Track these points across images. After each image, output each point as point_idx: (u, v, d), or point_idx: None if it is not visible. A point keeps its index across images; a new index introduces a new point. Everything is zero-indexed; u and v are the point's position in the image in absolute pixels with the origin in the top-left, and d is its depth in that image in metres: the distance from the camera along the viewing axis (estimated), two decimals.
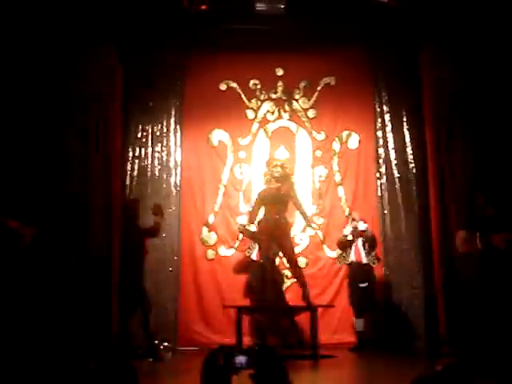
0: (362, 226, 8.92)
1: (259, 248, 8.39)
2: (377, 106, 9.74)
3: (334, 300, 9.20)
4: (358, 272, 8.80)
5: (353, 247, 8.87)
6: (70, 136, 8.67)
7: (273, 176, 8.11)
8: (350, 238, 8.85)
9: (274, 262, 8.73)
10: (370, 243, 8.91)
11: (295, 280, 8.61)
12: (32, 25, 8.12)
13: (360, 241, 8.86)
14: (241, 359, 1.79)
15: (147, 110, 9.64)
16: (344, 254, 8.92)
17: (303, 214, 8.50)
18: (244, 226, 8.84)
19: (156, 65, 9.61)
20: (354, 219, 9.00)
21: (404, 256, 9.26)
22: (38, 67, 8.21)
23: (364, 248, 8.82)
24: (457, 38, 8.79)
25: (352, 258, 8.85)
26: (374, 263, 8.85)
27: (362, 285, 8.72)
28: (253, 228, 8.80)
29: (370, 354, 8.40)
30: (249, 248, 8.96)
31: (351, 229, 8.89)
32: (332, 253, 9.46)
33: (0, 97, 7.88)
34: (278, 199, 8.12)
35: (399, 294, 9.25)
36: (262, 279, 8.32)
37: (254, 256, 8.82)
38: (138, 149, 9.57)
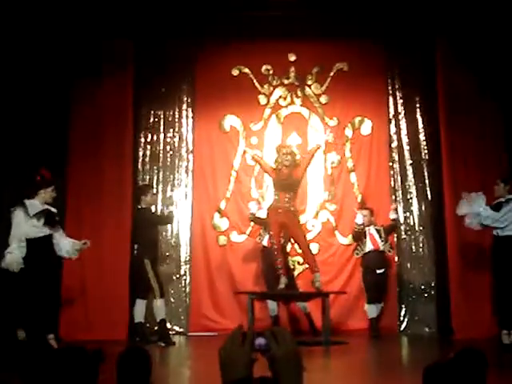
0: (393, 215, 8.86)
1: (270, 235, 8.36)
2: (390, 92, 9.70)
3: (345, 286, 9.18)
4: (374, 258, 8.72)
5: (367, 236, 8.80)
6: (79, 122, 8.74)
7: (283, 164, 8.05)
8: (359, 221, 8.77)
9: (285, 248, 8.73)
10: (390, 231, 8.86)
11: (307, 266, 8.60)
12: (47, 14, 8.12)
13: (373, 229, 8.79)
14: (260, 341, 1.78)
15: (159, 96, 9.67)
16: (360, 245, 8.83)
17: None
18: (254, 215, 8.82)
19: (168, 51, 9.63)
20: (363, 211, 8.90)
21: (416, 242, 9.26)
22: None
23: (380, 236, 8.76)
24: (472, 25, 8.74)
25: (369, 246, 8.77)
26: (389, 251, 8.80)
27: (379, 271, 8.67)
28: (263, 215, 8.80)
29: (382, 341, 8.40)
30: (260, 235, 8.95)
31: (362, 221, 8.78)
32: (344, 239, 9.44)
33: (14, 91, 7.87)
34: (287, 187, 8.06)
35: (411, 280, 9.24)
36: (272, 265, 8.35)
37: (265, 242, 8.80)
38: (149, 134, 9.61)
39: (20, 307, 7.03)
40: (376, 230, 8.80)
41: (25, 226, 6.98)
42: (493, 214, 7.45)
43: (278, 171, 8.08)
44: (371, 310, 8.71)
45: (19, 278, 6.95)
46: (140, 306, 8.23)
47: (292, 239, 8.53)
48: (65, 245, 7.36)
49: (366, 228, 8.79)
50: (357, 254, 8.90)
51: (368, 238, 8.78)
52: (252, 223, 9.16)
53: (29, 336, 6.92)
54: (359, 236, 8.82)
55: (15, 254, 6.89)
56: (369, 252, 8.77)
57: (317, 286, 7.95)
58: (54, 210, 7.25)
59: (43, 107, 8.28)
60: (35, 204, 7.08)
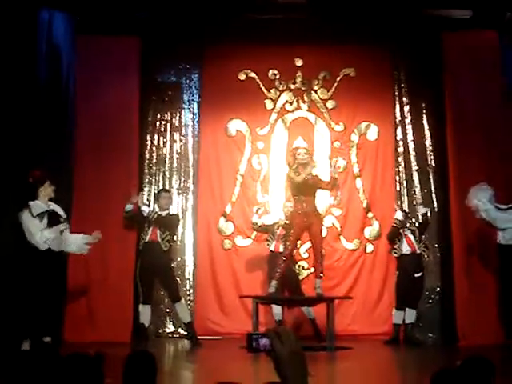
0: (422, 210, 8.77)
1: (287, 238, 8.32)
2: (396, 98, 9.70)
3: (350, 291, 9.17)
4: (412, 262, 8.59)
5: (403, 238, 8.70)
6: (86, 125, 8.76)
7: (299, 162, 7.97)
8: (399, 217, 8.65)
9: (292, 253, 8.71)
10: (423, 229, 8.76)
11: (312, 271, 8.59)
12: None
13: (407, 230, 8.71)
14: (265, 341, 1.78)
15: (166, 99, 9.67)
16: (397, 246, 8.73)
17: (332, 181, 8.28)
18: (256, 224, 8.82)
19: (175, 54, 9.67)
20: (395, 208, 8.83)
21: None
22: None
23: (415, 236, 8.67)
24: (479, 30, 8.76)
25: (407, 248, 8.63)
26: (424, 251, 8.71)
27: (417, 274, 8.59)
28: (267, 220, 8.81)
29: (386, 347, 8.39)
30: (267, 240, 8.93)
31: (403, 216, 8.63)
32: (349, 244, 9.43)
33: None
34: (307, 190, 7.98)
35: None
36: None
37: (273, 248, 8.79)
38: (156, 138, 9.63)
39: (26, 317, 7.02)
40: (411, 230, 8.71)
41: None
42: (493, 210, 7.47)
43: (296, 174, 8.00)
44: (397, 316, 8.61)
45: (20, 281, 6.95)
46: (142, 309, 8.25)
47: (310, 240, 8.41)
48: (74, 239, 7.39)
49: (401, 230, 8.70)
50: (395, 253, 8.70)
51: (404, 239, 8.66)
52: (255, 232, 9.16)
53: (33, 346, 6.91)
54: (396, 234, 8.65)
55: (47, 234, 6.96)
56: (406, 254, 8.62)
57: (318, 291, 7.93)
58: (58, 207, 7.26)
59: (48, 109, 8.26)
60: (39, 204, 7.12)
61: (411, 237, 8.64)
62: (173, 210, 8.98)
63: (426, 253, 8.71)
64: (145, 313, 8.23)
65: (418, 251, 8.64)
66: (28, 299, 6.94)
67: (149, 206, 8.61)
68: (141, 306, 8.26)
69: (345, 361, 7.31)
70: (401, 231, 8.65)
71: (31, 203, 7.13)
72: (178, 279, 8.82)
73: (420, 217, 8.75)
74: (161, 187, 9.43)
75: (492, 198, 7.58)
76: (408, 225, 8.71)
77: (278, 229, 8.80)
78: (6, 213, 7.43)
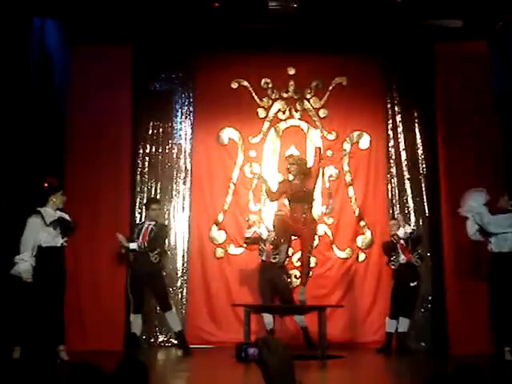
0: (408, 229, 8.77)
1: (278, 249, 8.35)
2: (388, 107, 9.74)
3: (342, 300, 9.17)
4: (407, 271, 8.61)
5: (399, 250, 8.65)
6: (77, 132, 8.75)
7: (290, 172, 8.06)
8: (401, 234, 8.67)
9: (284, 262, 8.71)
10: (416, 242, 8.78)
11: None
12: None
13: (403, 240, 8.71)
14: (253, 351, 1.78)
15: (158, 107, 9.68)
16: (394, 258, 8.74)
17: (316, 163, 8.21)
18: (248, 238, 8.83)
19: (168, 62, 9.69)
20: (399, 224, 8.82)
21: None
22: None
23: (408, 246, 8.65)
24: (470, 40, 8.82)
25: (402, 258, 8.64)
26: (416, 262, 8.71)
27: (412, 284, 8.60)
28: (262, 230, 8.85)
29: (378, 356, 8.38)
30: (259, 250, 8.91)
31: (404, 232, 8.70)
32: (341, 253, 9.44)
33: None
34: (301, 199, 7.98)
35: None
36: (270, 281, 8.50)
37: (264, 257, 8.79)
38: (148, 146, 9.62)
39: (19, 323, 6.99)
40: (404, 240, 8.72)
41: (41, 233, 6.96)
42: (487, 213, 7.50)
43: (290, 183, 8.04)
44: (390, 325, 8.64)
45: (27, 289, 6.91)
46: (133, 318, 8.23)
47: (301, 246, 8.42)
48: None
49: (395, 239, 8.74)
50: (393, 265, 8.71)
51: (399, 249, 8.69)
52: (245, 245, 9.16)
53: (25, 354, 6.87)
54: (393, 248, 8.69)
55: (29, 263, 6.87)
56: (402, 264, 8.64)
57: (301, 298, 7.92)
58: (67, 216, 7.22)
59: (40, 117, 8.26)
60: (49, 212, 7.07)
61: (406, 246, 8.65)
62: (161, 220, 8.97)
63: (419, 264, 8.69)
64: (136, 322, 8.20)
65: (412, 261, 8.66)
66: (34, 304, 6.90)
67: (136, 239, 8.27)
68: (132, 315, 8.23)
69: (337, 369, 7.30)
70: (396, 243, 8.69)
71: (42, 210, 7.07)
72: (168, 288, 8.80)
73: (409, 235, 8.74)
74: (153, 195, 9.43)
75: (487, 203, 7.60)
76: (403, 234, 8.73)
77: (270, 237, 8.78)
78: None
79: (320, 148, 8.29)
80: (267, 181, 8.53)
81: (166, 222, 9.38)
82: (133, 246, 8.16)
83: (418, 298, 8.84)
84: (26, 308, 6.95)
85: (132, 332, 8.20)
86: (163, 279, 8.59)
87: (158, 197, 9.45)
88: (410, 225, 9.07)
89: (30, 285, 6.90)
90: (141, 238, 8.22)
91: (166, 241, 9.01)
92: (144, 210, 9.02)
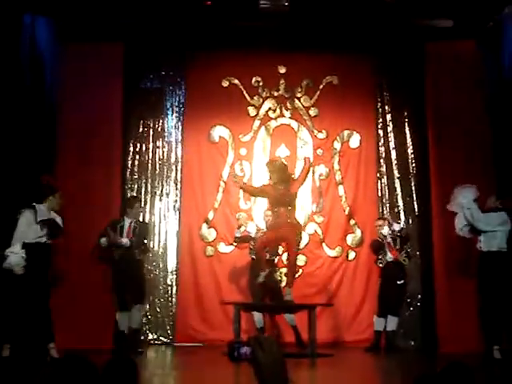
0: (396, 227, 8.80)
1: (268, 251, 8.37)
2: (379, 106, 9.76)
3: (332, 299, 9.19)
4: (395, 269, 8.62)
5: (386, 248, 8.69)
6: (67, 130, 8.74)
7: (270, 179, 8.07)
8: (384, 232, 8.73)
9: (273, 261, 8.73)
10: (404, 241, 8.80)
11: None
12: None
13: (389, 238, 8.73)
14: (246, 350, 1.79)
15: (149, 105, 9.68)
16: (381, 256, 8.78)
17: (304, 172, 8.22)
18: (239, 238, 8.82)
19: (158, 60, 9.69)
20: (389, 222, 8.85)
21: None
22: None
23: (396, 245, 8.68)
24: (460, 40, 8.85)
25: (390, 256, 8.66)
26: (404, 261, 8.72)
27: (399, 282, 8.60)
28: (250, 229, 8.87)
29: (367, 354, 8.40)
30: (250, 249, 8.91)
31: (389, 231, 8.74)
32: (331, 251, 9.46)
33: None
34: (285, 202, 7.98)
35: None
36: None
37: (255, 255, 8.78)
38: (138, 144, 9.62)
39: (9, 321, 6.96)
40: (393, 239, 8.75)
41: (29, 229, 6.93)
42: (477, 210, 7.52)
43: (273, 186, 8.03)
44: (378, 323, 8.65)
45: (15, 285, 6.88)
46: (119, 316, 8.21)
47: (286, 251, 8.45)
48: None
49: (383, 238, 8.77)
50: (380, 263, 8.74)
51: (387, 248, 8.72)
52: (235, 243, 9.15)
53: (14, 352, 6.84)
54: (380, 246, 8.71)
55: (19, 256, 6.83)
56: (389, 262, 8.66)
57: (287, 298, 7.93)
58: (59, 220, 7.19)
59: (31, 115, 8.23)
60: (43, 210, 7.03)
61: (393, 245, 8.67)
62: (142, 217, 8.97)
63: (407, 262, 8.71)
64: (122, 320, 8.17)
65: (400, 259, 8.68)
66: (23, 302, 6.87)
67: (119, 236, 8.16)
68: (117, 313, 8.21)
69: (326, 367, 7.31)
70: (384, 242, 8.71)
71: (37, 206, 7.01)
72: (146, 283, 8.58)
73: (398, 233, 8.76)
74: (143, 193, 9.43)
75: (477, 200, 7.62)
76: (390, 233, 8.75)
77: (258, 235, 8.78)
78: None
79: (309, 158, 8.30)
80: (241, 178, 8.54)
81: (157, 220, 9.39)
82: (125, 241, 8.11)
83: (405, 296, 8.86)
84: (15, 305, 6.91)
85: (120, 330, 8.17)
86: (143, 273, 8.50)
87: (148, 195, 9.45)
88: (398, 223, 9.09)
89: (18, 281, 6.86)
90: (125, 234, 8.18)
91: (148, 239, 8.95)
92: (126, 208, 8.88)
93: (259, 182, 8.93)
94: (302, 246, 9.26)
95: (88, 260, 8.42)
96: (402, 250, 8.67)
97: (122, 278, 8.11)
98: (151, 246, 9.32)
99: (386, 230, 8.68)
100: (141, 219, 8.76)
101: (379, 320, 8.65)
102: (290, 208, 7.94)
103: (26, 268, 6.85)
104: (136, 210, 8.40)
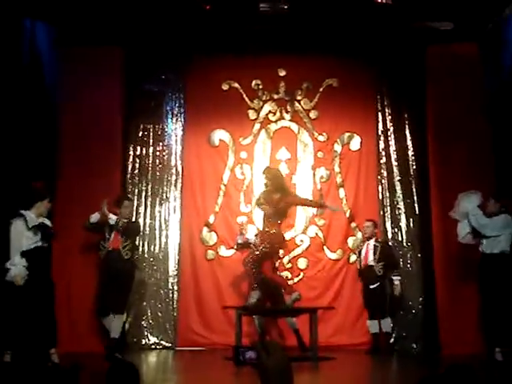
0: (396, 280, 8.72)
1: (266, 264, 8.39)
2: (379, 108, 9.74)
3: (333, 302, 9.17)
4: (366, 273, 8.71)
5: (363, 250, 8.79)
6: (68, 134, 8.73)
7: (266, 186, 8.14)
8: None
9: (275, 265, 8.73)
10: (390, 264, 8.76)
11: (295, 282, 8.65)
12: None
13: (372, 243, 8.78)
14: (251, 354, 1.78)
15: (149, 109, 9.67)
16: (358, 259, 8.88)
17: (313, 203, 8.61)
18: (240, 244, 8.81)
19: (159, 64, 9.68)
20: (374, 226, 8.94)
21: (404, 258, 9.25)
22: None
23: (374, 254, 8.69)
24: (461, 43, 8.85)
25: (362, 261, 8.77)
26: (379, 272, 8.70)
27: (371, 286, 8.64)
28: (250, 234, 8.87)
29: (369, 357, 8.39)
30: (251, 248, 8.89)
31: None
32: (332, 254, 9.44)
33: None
34: (283, 214, 8.09)
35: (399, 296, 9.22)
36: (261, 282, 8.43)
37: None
38: (139, 148, 9.61)
39: (10, 327, 6.93)
40: (374, 245, 8.77)
41: (23, 237, 6.91)
42: (482, 216, 7.52)
43: (270, 195, 8.09)
44: (371, 326, 8.68)
45: (17, 292, 6.86)
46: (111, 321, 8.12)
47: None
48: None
49: (367, 241, 8.80)
50: (358, 266, 8.92)
51: (364, 251, 8.77)
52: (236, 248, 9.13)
53: (16, 357, 6.82)
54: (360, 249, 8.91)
55: (20, 267, 6.82)
56: (365, 266, 8.75)
57: (289, 302, 8.01)
58: (48, 223, 7.17)
59: (31, 119, 8.22)
60: (32, 217, 7.02)
61: (371, 251, 8.72)
62: (133, 218, 8.92)
63: (381, 273, 8.66)
64: (108, 325, 8.09)
65: (370, 263, 8.69)
66: (24, 308, 6.85)
67: (108, 235, 8.10)
68: (101, 318, 8.15)
69: (328, 371, 7.29)
70: (366, 243, 8.78)
71: (25, 213, 6.98)
72: (130, 292, 8.38)
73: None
74: (143, 197, 9.42)
75: (480, 206, 7.63)
76: (373, 238, 8.80)
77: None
78: None
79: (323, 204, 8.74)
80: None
81: (158, 224, 9.39)
82: (112, 218, 7.97)
83: (385, 299, 8.65)
84: (17, 312, 6.89)
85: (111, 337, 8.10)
86: (131, 281, 8.24)
87: (148, 199, 9.45)
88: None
89: (20, 288, 6.85)
90: (113, 234, 8.09)
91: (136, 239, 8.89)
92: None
93: (260, 185, 8.90)
94: (300, 250, 9.34)
95: (88, 260, 8.39)
96: (379, 261, 8.65)
97: (110, 282, 7.96)
98: (152, 249, 9.32)
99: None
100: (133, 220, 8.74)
101: (371, 322, 8.70)
102: (286, 220, 8.08)
103: (28, 275, 6.85)
104: (126, 209, 8.22)
